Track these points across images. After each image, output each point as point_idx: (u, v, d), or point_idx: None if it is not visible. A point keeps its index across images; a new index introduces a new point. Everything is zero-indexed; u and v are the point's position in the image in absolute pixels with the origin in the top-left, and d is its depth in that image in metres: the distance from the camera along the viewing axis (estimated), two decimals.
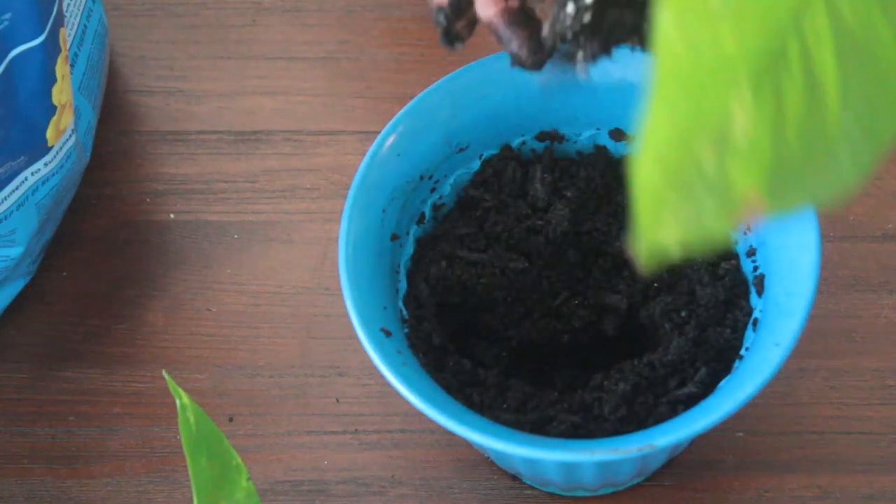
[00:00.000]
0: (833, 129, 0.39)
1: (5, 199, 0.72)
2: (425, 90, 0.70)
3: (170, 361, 0.77)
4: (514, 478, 0.73)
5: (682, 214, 0.38)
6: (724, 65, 0.39)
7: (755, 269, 0.67)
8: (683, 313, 0.68)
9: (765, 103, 0.39)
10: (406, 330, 0.67)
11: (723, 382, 0.64)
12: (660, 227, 0.38)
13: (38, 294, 0.80)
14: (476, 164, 0.72)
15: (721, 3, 0.39)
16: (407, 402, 0.62)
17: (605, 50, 0.54)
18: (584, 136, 0.71)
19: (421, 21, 0.87)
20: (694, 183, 0.39)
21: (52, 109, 0.72)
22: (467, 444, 0.73)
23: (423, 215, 0.71)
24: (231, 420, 0.75)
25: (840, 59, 0.39)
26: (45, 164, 0.74)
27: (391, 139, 0.69)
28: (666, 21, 0.38)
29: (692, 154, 0.39)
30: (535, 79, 0.67)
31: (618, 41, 0.54)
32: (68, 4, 0.76)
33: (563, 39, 0.54)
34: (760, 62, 0.39)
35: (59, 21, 0.70)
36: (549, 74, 0.57)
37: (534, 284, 0.70)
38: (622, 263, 0.70)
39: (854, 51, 0.40)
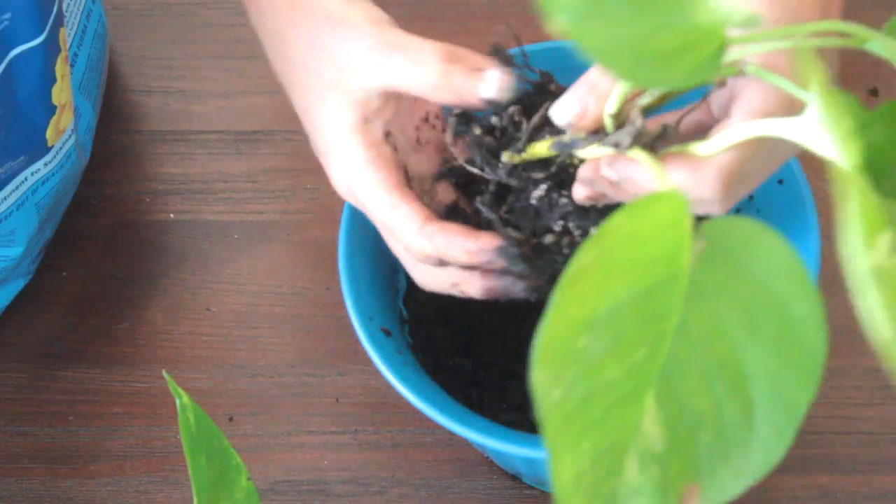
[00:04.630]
0: (746, 417, 0.41)
1: (5, 199, 0.72)
2: None
3: (170, 361, 0.77)
4: (514, 478, 0.73)
5: None
6: (612, 390, 0.41)
7: None
8: None
9: (671, 408, 0.41)
10: (406, 330, 0.67)
11: None
12: None
13: (38, 294, 0.80)
14: None
15: (588, 342, 0.41)
16: (407, 402, 0.62)
17: None
18: None
19: (420, 20, 0.87)
20: (619, 494, 0.41)
21: (52, 109, 0.72)
22: (467, 444, 0.73)
23: None
24: (231, 420, 0.75)
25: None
26: (45, 164, 0.74)
27: None
28: (539, 376, 0.41)
29: (610, 472, 0.41)
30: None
31: None
32: (68, 4, 0.76)
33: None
34: (652, 376, 0.42)
35: (59, 21, 0.70)
36: None
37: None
38: None
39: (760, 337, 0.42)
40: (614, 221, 0.42)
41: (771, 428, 0.42)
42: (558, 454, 0.42)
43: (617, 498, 0.41)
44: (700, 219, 0.44)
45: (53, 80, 0.71)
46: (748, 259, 0.41)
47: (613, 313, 0.42)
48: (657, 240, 0.42)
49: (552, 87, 0.59)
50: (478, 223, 0.60)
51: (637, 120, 0.52)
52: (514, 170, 0.57)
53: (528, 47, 0.68)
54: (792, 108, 0.52)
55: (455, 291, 0.59)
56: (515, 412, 0.65)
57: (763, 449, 0.42)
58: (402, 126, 0.61)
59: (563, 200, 0.57)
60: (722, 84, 0.54)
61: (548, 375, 0.41)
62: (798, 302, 0.42)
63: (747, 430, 0.42)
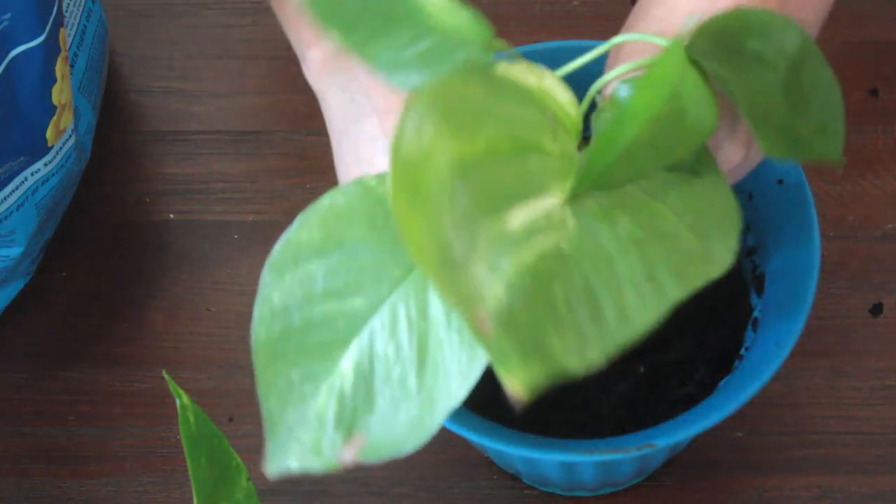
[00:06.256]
0: (421, 394, 0.47)
1: (5, 199, 0.72)
2: None
3: (170, 361, 0.77)
4: (514, 478, 0.73)
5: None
6: (327, 323, 0.49)
7: (754, 268, 0.67)
8: (682, 313, 0.68)
9: (365, 360, 0.48)
10: None
11: (723, 382, 0.64)
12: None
13: (38, 294, 0.80)
14: None
15: (316, 270, 0.49)
16: None
17: None
18: None
19: None
20: (308, 416, 0.48)
21: (52, 109, 0.72)
22: (467, 444, 0.73)
23: None
24: (231, 420, 0.75)
25: None
26: (45, 164, 0.74)
27: None
28: (265, 277, 0.49)
29: (308, 395, 0.49)
30: None
31: None
32: (68, 4, 0.76)
33: None
34: (361, 326, 0.49)
35: (59, 21, 0.70)
36: None
37: None
38: None
39: None
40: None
41: (428, 415, 0.47)
42: (269, 357, 0.49)
43: (306, 419, 0.48)
44: None
45: (53, 80, 0.71)
46: None
47: (349, 257, 0.48)
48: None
49: None
50: None
51: None
52: None
53: (529, 47, 0.68)
54: None
55: None
56: (515, 412, 0.65)
57: (417, 431, 0.47)
58: None
59: None
60: None
61: (273, 279, 0.48)
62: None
63: (417, 408, 0.47)
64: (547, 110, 0.46)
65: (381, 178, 0.48)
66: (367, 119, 0.60)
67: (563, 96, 0.47)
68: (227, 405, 0.76)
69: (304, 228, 0.49)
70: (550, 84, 0.47)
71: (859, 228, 0.78)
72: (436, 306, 0.47)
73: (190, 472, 0.50)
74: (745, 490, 0.72)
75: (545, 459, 0.62)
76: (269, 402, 0.49)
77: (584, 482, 0.69)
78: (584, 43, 0.69)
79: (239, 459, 0.52)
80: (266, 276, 0.49)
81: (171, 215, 0.82)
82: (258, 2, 0.89)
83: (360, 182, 0.48)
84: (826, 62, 0.52)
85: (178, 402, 0.50)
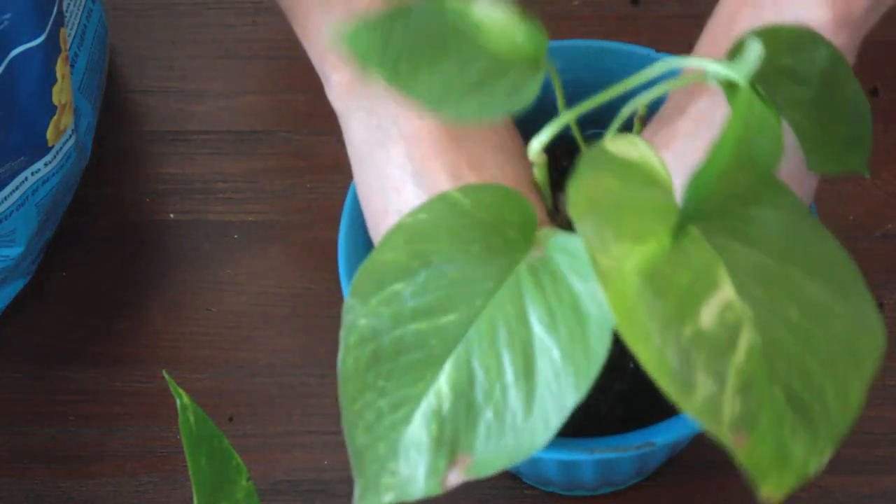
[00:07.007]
0: (527, 405, 0.47)
1: (5, 199, 0.72)
2: None
3: (170, 361, 0.77)
4: (514, 477, 0.73)
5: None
6: (419, 342, 0.48)
7: None
8: None
9: (464, 376, 0.47)
10: None
11: None
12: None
13: (38, 294, 0.80)
14: None
15: (403, 289, 0.48)
16: None
17: None
18: None
19: None
20: (402, 443, 0.47)
21: (52, 109, 0.72)
22: None
23: None
24: (231, 420, 0.75)
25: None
26: (45, 164, 0.74)
27: None
28: (349, 302, 0.48)
29: (400, 421, 0.48)
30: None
31: None
32: (68, 4, 0.76)
33: None
34: (456, 341, 0.48)
35: (59, 21, 0.70)
36: None
37: None
38: None
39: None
40: (476, 197, 0.48)
41: (542, 419, 0.46)
42: (357, 388, 0.48)
43: (399, 450, 0.47)
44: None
45: (54, 80, 0.71)
46: (571, 270, 0.47)
47: (437, 274, 0.47)
48: (501, 237, 0.48)
49: None
50: None
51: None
52: None
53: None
54: None
55: None
56: None
57: (531, 437, 0.46)
58: None
59: None
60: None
61: (358, 304, 0.47)
62: (597, 316, 0.46)
63: (525, 417, 0.46)
64: (658, 184, 0.46)
65: (464, 190, 0.47)
66: (393, 145, 0.59)
67: (656, 162, 0.47)
68: (227, 405, 0.76)
69: (388, 249, 0.47)
70: (647, 154, 0.46)
71: (859, 228, 0.78)
72: (535, 311, 0.46)
73: (190, 472, 0.50)
74: (746, 490, 0.72)
75: (545, 458, 0.62)
76: (356, 437, 0.47)
77: (584, 482, 0.69)
78: (600, 44, 0.69)
79: (239, 459, 0.52)
80: (350, 302, 0.47)
81: (171, 215, 0.82)
82: (258, 2, 0.89)
83: (444, 197, 0.47)
84: (854, 76, 0.52)
85: (178, 401, 0.50)
